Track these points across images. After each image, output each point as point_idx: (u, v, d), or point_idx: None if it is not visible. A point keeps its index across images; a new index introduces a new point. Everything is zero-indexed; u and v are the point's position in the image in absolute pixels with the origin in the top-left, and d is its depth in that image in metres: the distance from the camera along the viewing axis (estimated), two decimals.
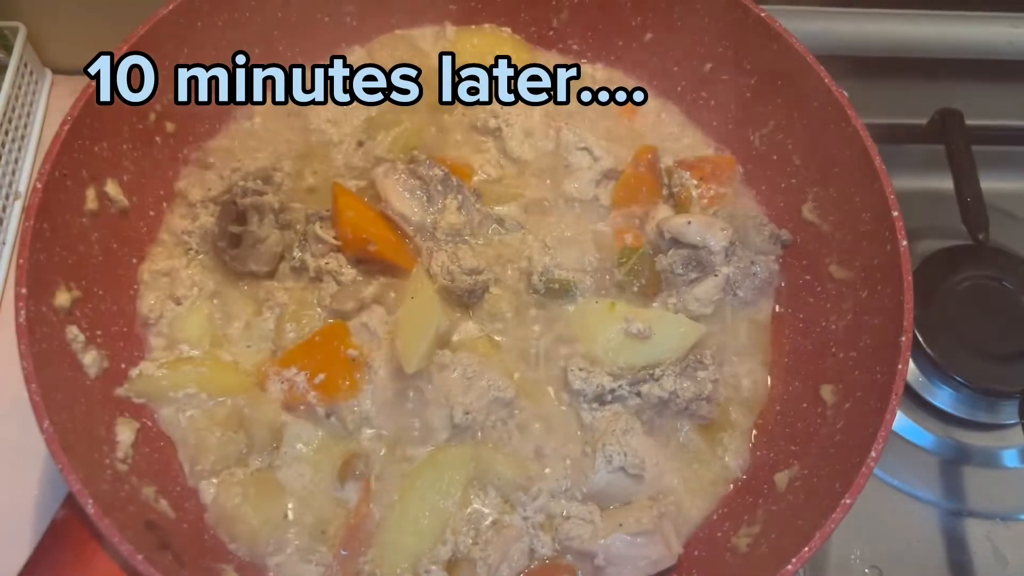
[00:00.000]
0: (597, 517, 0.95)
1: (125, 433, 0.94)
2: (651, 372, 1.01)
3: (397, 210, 1.06)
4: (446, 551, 0.93)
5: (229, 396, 1.00)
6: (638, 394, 1.01)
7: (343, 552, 0.94)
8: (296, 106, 1.21)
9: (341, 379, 0.99)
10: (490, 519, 0.96)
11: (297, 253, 1.08)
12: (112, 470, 0.89)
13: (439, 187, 1.07)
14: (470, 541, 0.94)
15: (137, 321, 1.04)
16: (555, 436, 1.01)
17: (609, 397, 1.01)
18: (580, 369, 1.02)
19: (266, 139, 1.18)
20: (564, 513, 0.96)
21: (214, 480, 0.97)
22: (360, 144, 1.17)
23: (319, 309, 1.05)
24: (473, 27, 1.27)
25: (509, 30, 1.28)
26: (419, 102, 1.21)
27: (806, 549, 0.83)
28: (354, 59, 1.25)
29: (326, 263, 1.06)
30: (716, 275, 1.08)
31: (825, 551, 1.15)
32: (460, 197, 1.08)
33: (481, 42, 1.26)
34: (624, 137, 1.22)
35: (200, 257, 1.08)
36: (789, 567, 0.83)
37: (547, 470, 0.99)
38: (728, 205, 1.17)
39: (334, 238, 1.06)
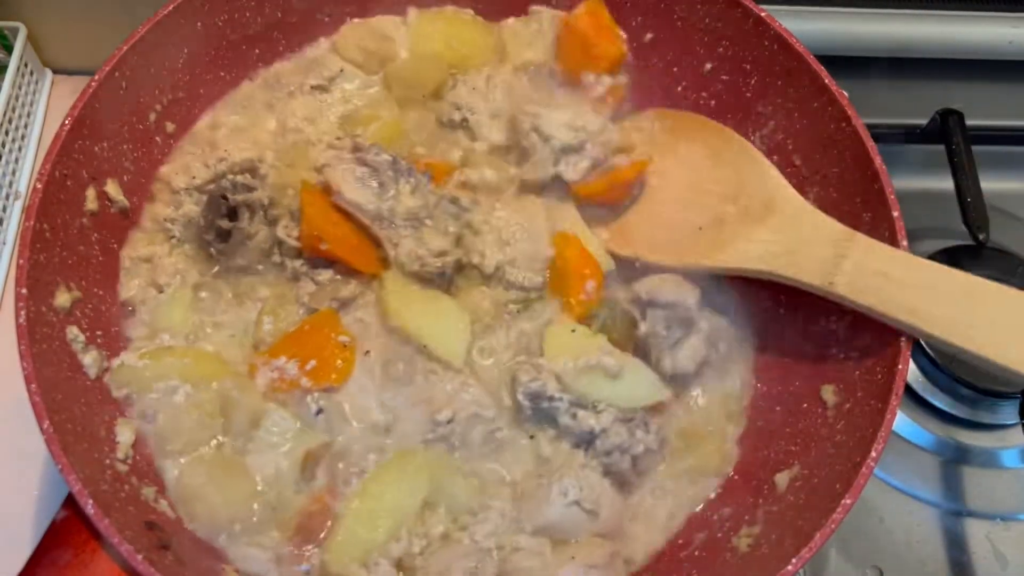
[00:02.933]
0: (547, 550, 0.94)
1: (125, 433, 0.93)
2: (595, 403, 0.99)
3: (350, 199, 1.02)
4: (398, 548, 0.92)
5: (215, 381, 0.99)
6: (574, 415, 0.98)
7: (297, 538, 0.94)
8: (272, 100, 1.19)
9: (334, 360, 0.99)
10: (441, 529, 0.94)
11: (277, 250, 1.07)
12: (112, 470, 0.89)
13: (389, 172, 1.04)
14: (417, 550, 0.92)
15: (117, 308, 1.03)
16: (513, 463, 1.00)
17: (545, 404, 0.98)
18: (533, 366, 1.00)
19: (249, 130, 1.16)
20: (513, 545, 0.94)
21: (181, 460, 0.96)
22: (338, 140, 1.13)
23: (298, 306, 1.04)
24: (435, 9, 1.25)
25: (471, 12, 1.26)
26: (388, 97, 1.19)
27: (806, 549, 0.83)
28: (320, 52, 1.23)
29: (300, 265, 1.05)
30: (699, 331, 1.05)
31: (825, 551, 1.15)
32: (412, 180, 1.05)
33: (445, 26, 1.23)
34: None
35: (184, 246, 1.07)
36: (790, 567, 0.83)
37: (499, 497, 0.97)
38: None
39: (296, 239, 1.04)
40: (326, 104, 1.19)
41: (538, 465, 1.00)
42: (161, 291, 1.04)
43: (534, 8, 1.26)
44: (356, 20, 1.24)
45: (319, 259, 1.05)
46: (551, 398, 0.98)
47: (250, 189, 1.04)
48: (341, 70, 1.21)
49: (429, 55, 1.21)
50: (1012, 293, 0.88)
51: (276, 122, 1.17)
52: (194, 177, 1.08)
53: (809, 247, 0.98)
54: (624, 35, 1.23)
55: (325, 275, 1.05)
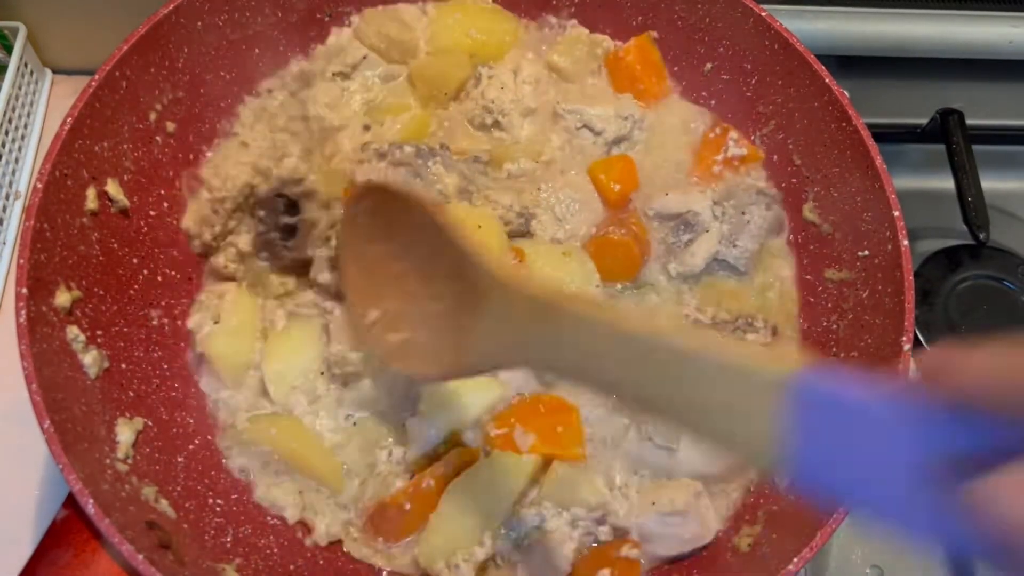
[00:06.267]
0: (633, 493, 0.96)
1: (125, 433, 0.93)
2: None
3: None
4: (482, 553, 0.92)
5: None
6: None
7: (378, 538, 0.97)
8: (294, 94, 1.19)
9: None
10: (536, 523, 0.94)
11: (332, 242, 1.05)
12: (112, 470, 0.89)
13: (419, 161, 1.05)
14: (511, 545, 0.93)
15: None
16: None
17: None
18: None
19: (258, 140, 1.14)
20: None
21: None
22: (367, 128, 1.14)
23: None
24: (453, 1, 1.24)
25: (490, 1, 1.25)
26: (410, 89, 1.19)
27: (807, 549, 0.83)
28: (343, 41, 1.22)
29: None
30: (708, 231, 1.10)
31: (826, 551, 1.15)
32: (438, 158, 1.06)
33: (464, 16, 1.23)
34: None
35: (242, 284, 1.08)
36: (791, 567, 0.83)
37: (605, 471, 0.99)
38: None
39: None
40: (348, 91, 1.18)
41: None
42: (216, 322, 1.04)
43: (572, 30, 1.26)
44: (379, 7, 1.23)
45: None
46: None
47: (299, 181, 1.03)
48: (364, 57, 1.20)
49: (450, 48, 1.21)
50: None
51: (296, 110, 1.16)
52: (214, 226, 1.07)
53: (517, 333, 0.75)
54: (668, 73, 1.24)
55: None
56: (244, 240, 1.08)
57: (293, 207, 1.03)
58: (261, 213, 1.05)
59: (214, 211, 1.07)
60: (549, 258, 1.07)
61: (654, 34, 1.22)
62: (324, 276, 1.05)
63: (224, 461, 1.01)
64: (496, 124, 1.16)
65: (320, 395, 1.02)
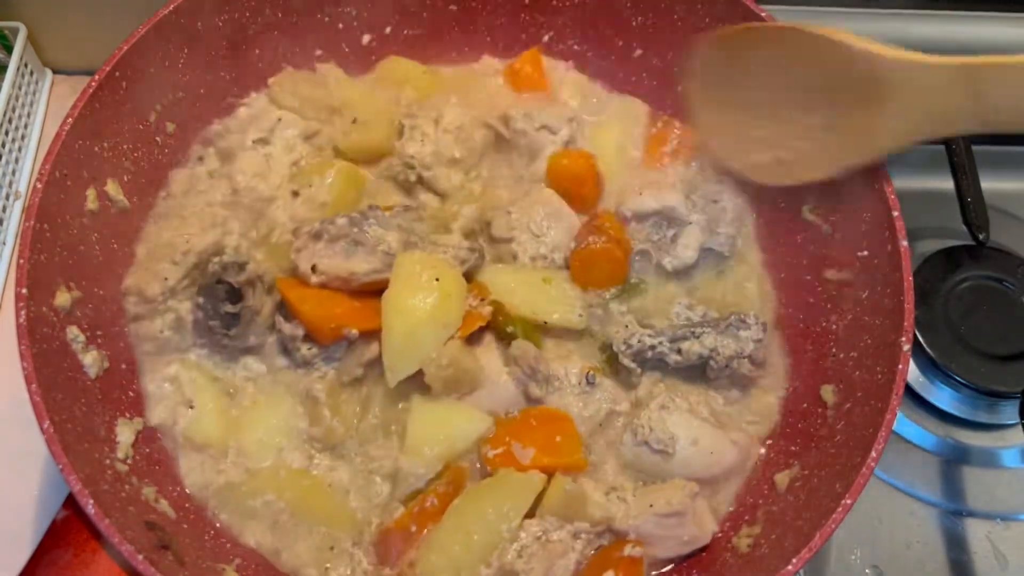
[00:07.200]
0: (630, 496, 0.96)
1: (125, 433, 0.94)
2: (692, 330, 1.03)
3: (364, 272, 1.00)
4: (489, 574, 0.90)
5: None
6: (678, 351, 1.02)
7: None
8: (220, 168, 1.15)
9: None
10: (537, 534, 0.92)
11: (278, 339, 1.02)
12: (112, 470, 0.89)
13: (355, 229, 1.01)
14: (515, 555, 0.91)
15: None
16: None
17: (649, 354, 1.02)
18: (626, 327, 1.04)
19: (196, 214, 1.09)
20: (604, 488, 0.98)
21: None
22: (295, 194, 1.09)
23: (343, 388, 1.01)
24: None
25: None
26: (328, 143, 1.17)
27: (806, 549, 0.83)
28: (257, 108, 1.19)
29: (308, 349, 1.01)
30: (691, 222, 1.11)
31: (825, 551, 1.15)
32: (373, 220, 1.02)
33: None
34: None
35: (188, 354, 1.03)
36: (790, 567, 0.83)
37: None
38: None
39: (303, 334, 1.00)
40: (272, 156, 1.14)
41: (632, 407, 1.03)
42: (191, 407, 1.00)
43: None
44: (289, 68, 1.21)
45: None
46: (652, 348, 1.02)
47: (242, 266, 0.98)
48: (279, 119, 1.16)
49: (374, 112, 1.18)
50: None
51: (227, 186, 1.12)
52: (166, 279, 1.00)
53: (943, 103, 0.90)
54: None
55: (340, 348, 1.02)
56: (186, 307, 1.01)
57: (234, 294, 0.98)
58: (200, 300, 0.99)
59: (173, 262, 1.01)
60: (529, 285, 1.06)
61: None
62: (280, 360, 1.03)
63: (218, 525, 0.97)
64: (420, 180, 1.13)
65: (310, 454, 1.00)
